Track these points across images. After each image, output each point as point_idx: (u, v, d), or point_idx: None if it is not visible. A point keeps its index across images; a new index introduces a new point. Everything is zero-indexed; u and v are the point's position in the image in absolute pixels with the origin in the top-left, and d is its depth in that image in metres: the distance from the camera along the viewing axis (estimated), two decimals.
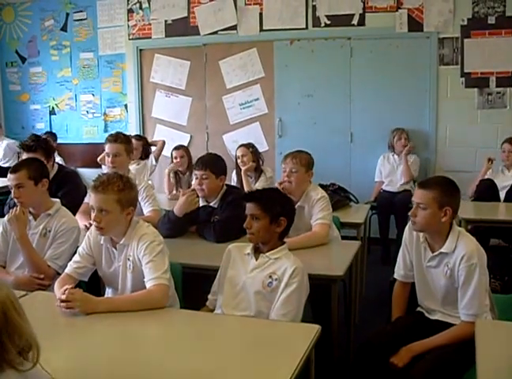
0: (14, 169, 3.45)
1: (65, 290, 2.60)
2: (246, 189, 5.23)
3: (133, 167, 6.00)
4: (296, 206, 3.77)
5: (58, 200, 3.59)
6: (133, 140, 5.94)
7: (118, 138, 4.41)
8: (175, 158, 5.96)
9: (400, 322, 2.93)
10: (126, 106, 7.77)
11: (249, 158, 5.58)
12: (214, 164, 3.96)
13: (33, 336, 1.55)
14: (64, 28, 7.97)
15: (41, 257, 3.33)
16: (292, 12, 6.74)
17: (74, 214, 3.66)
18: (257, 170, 5.61)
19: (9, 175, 3.46)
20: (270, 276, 2.72)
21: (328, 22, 6.64)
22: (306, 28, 6.73)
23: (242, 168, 5.53)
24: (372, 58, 6.58)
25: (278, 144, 6.96)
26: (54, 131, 7.97)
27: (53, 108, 8.24)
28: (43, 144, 4.47)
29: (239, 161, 5.63)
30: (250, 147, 5.67)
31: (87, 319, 2.55)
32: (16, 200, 3.43)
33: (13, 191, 3.44)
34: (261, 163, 5.69)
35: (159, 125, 7.61)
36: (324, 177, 5.38)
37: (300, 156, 4.01)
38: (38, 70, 8.24)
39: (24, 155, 4.32)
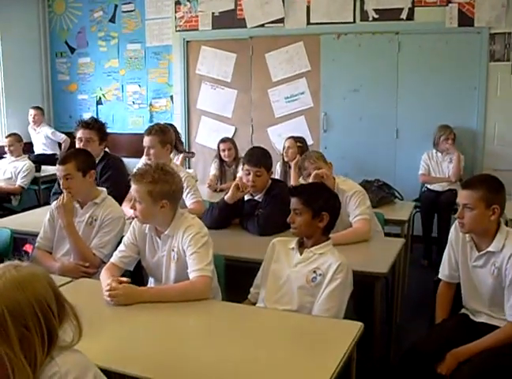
0: (63, 160, 3.50)
1: (108, 285, 2.65)
2: (292, 182, 5.24)
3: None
4: None
5: (104, 189, 3.65)
6: None
7: (152, 130, 4.42)
8: (223, 150, 5.97)
9: (445, 326, 2.87)
10: (171, 97, 7.81)
11: (294, 151, 5.58)
12: (266, 160, 3.97)
13: (77, 317, 1.59)
14: (112, 20, 8.06)
15: (87, 246, 3.39)
16: (340, 5, 6.66)
17: (115, 198, 3.70)
18: None
19: (57, 166, 3.51)
20: (314, 271, 2.71)
21: (376, 16, 6.54)
22: (354, 21, 6.65)
23: (290, 162, 5.54)
24: (420, 54, 6.47)
25: (323, 139, 6.90)
26: None
27: (100, 98, 8.35)
28: (101, 126, 4.61)
29: (284, 153, 5.65)
30: (297, 141, 5.66)
31: (130, 308, 2.58)
32: (64, 191, 3.48)
33: (61, 182, 3.49)
34: None
35: (204, 117, 7.63)
36: (369, 172, 5.36)
37: (316, 153, 4.15)
38: (86, 61, 8.35)
39: (80, 132, 4.43)
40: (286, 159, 5.69)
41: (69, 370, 1.49)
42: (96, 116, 8.23)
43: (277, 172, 5.69)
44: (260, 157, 3.96)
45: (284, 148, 5.73)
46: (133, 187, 2.85)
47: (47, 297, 1.51)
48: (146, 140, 4.38)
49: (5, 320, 1.41)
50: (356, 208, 3.76)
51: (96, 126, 4.55)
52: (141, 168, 2.93)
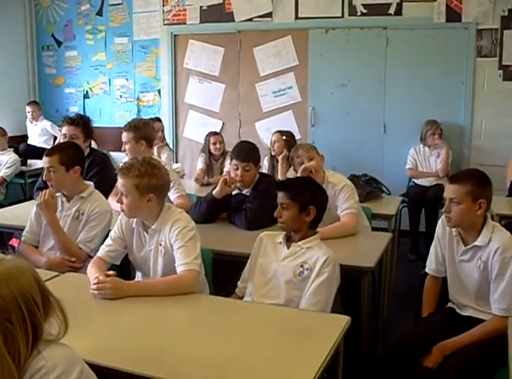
0: (48, 152, 3.50)
1: (96, 278, 2.64)
2: (280, 177, 5.24)
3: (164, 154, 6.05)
4: None
5: (91, 183, 3.63)
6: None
7: (127, 125, 4.43)
8: (214, 144, 5.95)
9: (432, 320, 2.88)
10: (159, 91, 7.78)
11: (280, 145, 5.59)
12: (255, 155, 3.98)
13: (63, 310, 1.59)
14: (99, 13, 7.99)
15: (72, 240, 3.38)
16: (328, 0, 6.65)
17: (103, 193, 3.69)
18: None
19: (43, 157, 3.50)
20: (302, 265, 2.72)
21: (364, 11, 6.55)
22: (342, 16, 6.65)
23: (277, 156, 5.55)
24: (408, 49, 6.48)
25: (311, 133, 6.90)
26: (87, 115, 7.99)
27: (87, 92, 8.29)
28: (86, 123, 4.59)
29: (271, 147, 5.65)
30: (284, 134, 5.67)
31: (117, 302, 2.58)
32: (48, 183, 3.47)
33: (44, 173, 3.49)
34: None
35: (191, 111, 7.61)
36: (356, 167, 5.36)
37: (308, 145, 4.14)
38: (73, 54, 8.29)
39: (64, 129, 4.42)
40: (273, 154, 5.69)
41: (56, 364, 1.49)
42: (83, 110, 8.22)
43: (265, 167, 5.68)
44: (248, 152, 3.95)
45: (271, 143, 5.73)
46: (120, 181, 2.83)
47: (32, 291, 1.50)
48: (122, 136, 4.38)
49: None
50: (345, 202, 3.77)
51: (80, 123, 4.53)
52: (128, 162, 2.93)
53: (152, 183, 2.81)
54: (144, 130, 4.38)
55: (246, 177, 3.90)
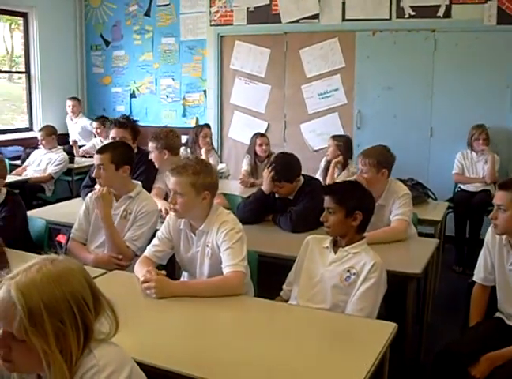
0: (100, 149, 3.56)
1: (143, 276, 2.68)
2: (328, 180, 5.25)
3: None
4: (376, 204, 3.74)
5: (139, 183, 3.67)
6: None
7: (152, 135, 4.47)
8: (260, 145, 5.97)
9: (480, 329, 2.83)
10: (205, 91, 7.83)
11: (332, 150, 5.59)
12: (288, 174, 3.95)
13: (113, 310, 1.62)
14: (147, 13, 8.10)
15: (121, 238, 3.42)
16: (376, 2, 6.60)
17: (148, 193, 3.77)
18: (343, 164, 5.60)
19: (95, 154, 3.57)
20: (348, 270, 2.71)
21: (412, 13, 6.47)
22: (390, 18, 6.58)
23: (332, 160, 5.56)
24: (457, 52, 6.38)
25: (356, 136, 6.84)
26: (133, 114, 8.11)
27: (133, 91, 8.41)
28: (134, 124, 4.71)
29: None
30: (336, 140, 5.65)
31: (163, 301, 2.60)
32: (97, 180, 3.54)
33: (95, 170, 3.55)
34: (349, 156, 5.70)
35: (237, 112, 7.64)
36: (402, 171, 5.27)
37: (370, 156, 3.88)
38: (121, 54, 8.42)
39: (113, 132, 4.50)
40: (328, 158, 5.69)
41: (108, 363, 1.50)
42: (129, 109, 8.34)
43: (321, 168, 5.74)
44: (281, 172, 3.93)
45: (328, 146, 5.76)
46: (174, 180, 2.85)
47: (83, 292, 1.52)
48: (148, 145, 4.45)
49: (42, 314, 1.43)
50: (399, 208, 3.76)
51: (129, 125, 4.62)
52: (181, 161, 2.96)
53: (207, 181, 2.84)
54: (166, 140, 4.39)
55: (282, 191, 3.98)
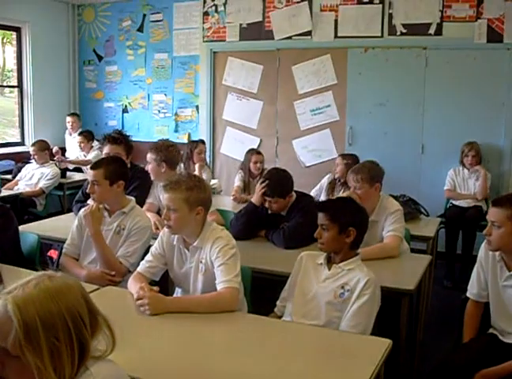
0: (94, 165, 3.54)
1: (136, 293, 2.67)
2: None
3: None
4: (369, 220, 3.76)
5: (133, 198, 3.66)
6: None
7: (152, 146, 4.51)
8: (255, 162, 5.96)
9: (474, 345, 2.83)
10: (197, 107, 7.85)
11: (341, 169, 5.54)
12: (280, 189, 3.95)
13: (111, 328, 1.60)
14: (140, 29, 8.14)
15: (113, 254, 3.40)
16: (368, 19, 6.66)
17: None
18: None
19: (88, 170, 3.57)
20: (342, 287, 2.70)
21: (404, 31, 6.54)
22: (382, 36, 6.65)
23: (341, 179, 5.54)
24: (448, 69, 6.44)
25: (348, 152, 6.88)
26: (125, 128, 8.13)
27: (126, 106, 8.42)
28: (127, 140, 4.69)
29: (334, 169, 5.63)
30: (345, 158, 5.63)
31: (156, 318, 2.59)
32: (91, 196, 3.52)
33: (89, 186, 3.54)
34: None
35: (229, 128, 7.66)
36: (393, 188, 5.30)
37: (362, 172, 3.89)
38: (113, 69, 8.45)
39: (107, 148, 4.48)
40: (336, 176, 5.65)
41: None
42: (121, 124, 8.35)
43: (323, 185, 5.74)
44: (274, 187, 3.93)
45: (335, 165, 5.72)
46: (167, 196, 2.85)
47: (80, 309, 1.51)
48: (147, 156, 4.44)
49: (37, 330, 1.41)
50: (392, 224, 3.76)
51: (123, 141, 4.60)
52: (173, 177, 2.95)
53: (200, 196, 2.85)
54: (166, 153, 4.39)
55: (275, 207, 3.97)
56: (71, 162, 7.58)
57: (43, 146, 6.65)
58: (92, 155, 7.50)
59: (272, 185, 3.94)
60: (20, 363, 1.42)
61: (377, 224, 3.81)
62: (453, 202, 6.16)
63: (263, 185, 3.96)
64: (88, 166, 3.69)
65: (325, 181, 5.77)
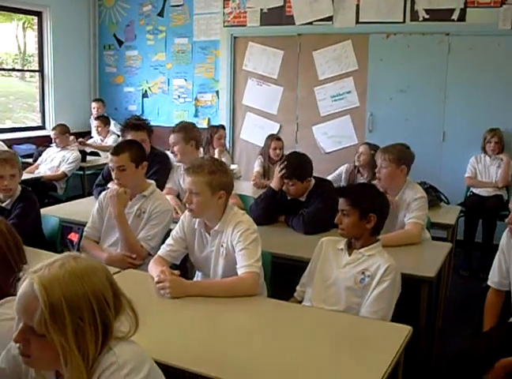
0: (116, 151, 3.51)
1: (157, 276, 2.69)
2: None
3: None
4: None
5: (153, 182, 3.67)
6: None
7: (176, 127, 4.53)
8: (274, 149, 5.92)
9: (494, 334, 2.80)
10: (217, 92, 7.85)
11: (366, 158, 5.44)
12: (299, 172, 3.92)
13: (134, 310, 1.62)
14: (161, 14, 8.12)
15: (135, 237, 3.42)
16: (390, 5, 6.59)
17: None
18: (371, 169, 5.46)
19: (110, 157, 3.52)
20: (363, 273, 2.70)
21: (426, 16, 6.45)
22: (404, 21, 6.57)
23: (362, 168, 5.49)
24: (471, 56, 6.36)
25: (368, 139, 6.74)
26: (145, 113, 8.16)
27: (146, 91, 8.43)
28: (148, 125, 4.70)
29: (356, 157, 5.54)
30: (372, 149, 5.44)
31: (176, 301, 2.60)
32: (116, 182, 3.51)
33: (114, 172, 3.50)
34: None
35: (249, 113, 7.65)
36: (414, 175, 5.24)
37: (390, 152, 3.88)
38: (134, 54, 8.45)
39: (131, 135, 4.47)
40: (357, 164, 5.54)
41: (127, 361, 1.51)
42: (141, 109, 8.36)
43: (345, 171, 5.62)
44: (292, 169, 3.92)
45: (357, 153, 5.58)
46: (190, 180, 2.84)
47: (104, 290, 1.52)
48: (171, 137, 4.46)
49: (63, 310, 1.43)
50: (415, 211, 3.72)
51: (145, 127, 4.60)
52: (196, 161, 2.95)
53: (223, 180, 2.84)
54: (194, 132, 4.47)
55: (292, 190, 3.94)
56: (91, 146, 7.60)
57: (63, 130, 6.68)
58: (110, 141, 7.53)
59: (290, 166, 3.93)
60: (45, 342, 1.44)
61: (399, 208, 3.79)
62: (474, 191, 6.10)
63: (282, 166, 3.95)
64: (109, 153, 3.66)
65: (342, 169, 5.66)
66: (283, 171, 3.92)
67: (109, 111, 8.44)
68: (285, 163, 3.97)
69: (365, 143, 5.76)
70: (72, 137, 6.99)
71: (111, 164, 3.53)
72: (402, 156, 3.90)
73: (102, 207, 3.57)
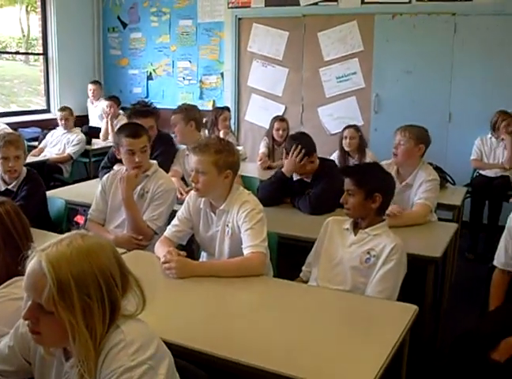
0: (137, 134, 3.46)
1: (164, 256, 2.70)
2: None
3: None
4: (404, 183, 3.76)
5: (155, 161, 3.67)
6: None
7: (176, 109, 4.59)
8: (277, 130, 5.90)
9: (500, 313, 2.81)
10: (222, 74, 7.82)
11: (355, 142, 5.42)
12: (314, 145, 3.96)
13: (141, 288, 1.63)
14: None
15: (142, 218, 3.43)
16: None
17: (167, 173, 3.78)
18: (360, 151, 5.49)
19: (130, 140, 3.43)
20: (368, 252, 2.70)
21: None
22: (410, 2, 6.51)
23: (351, 152, 5.45)
24: (477, 36, 6.30)
25: (373, 120, 6.82)
26: (150, 96, 8.15)
27: (150, 73, 8.41)
28: (155, 109, 4.72)
29: (344, 142, 5.50)
30: (358, 130, 5.50)
31: (182, 281, 2.61)
32: (138, 165, 3.46)
33: (136, 155, 3.43)
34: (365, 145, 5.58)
35: (254, 95, 7.63)
36: None
37: (410, 130, 3.89)
38: (138, 36, 8.41)
39: (140, 121, 4.42)
40: (348, 149, 5.45)
41: (135, 339, 1.51)
42: (146, 91, 8.34)
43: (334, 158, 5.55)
44: (308, 145, 3.92)
45: (343, 138, 5.47)
46: (196, 159, 2.83)
47: (111, 268, 1.53)
48: (172, 118, 4.48)
49: (70, 287, 1.44)
50: (425, 192, 3.72)
51: (152, 112, 4.60)
52: (203, 140, 2.96)
53: (229, 160, 2.84)
54: (194, 113, 4.47)
55: (312, 167, 3.93)
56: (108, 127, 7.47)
57: (70, 112, 6.68)
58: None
59: (304, 145, 3.90)
60: (53, 319, 1.45)
61: (411, 188, 3.80)
62: (480, 171, 6.07)
63: (297, 150, 3.87)
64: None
65: (335, 156, 5.48)
66: (300, 154, 3.86)
67: (114, 94, 8.37)
68: (298, 145, 3.89)
69: (348, 126, 5.57)
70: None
71: (131, 147, 3.43)
72: (421, 136, 3.92)
73: (105, 189, 3.58)
